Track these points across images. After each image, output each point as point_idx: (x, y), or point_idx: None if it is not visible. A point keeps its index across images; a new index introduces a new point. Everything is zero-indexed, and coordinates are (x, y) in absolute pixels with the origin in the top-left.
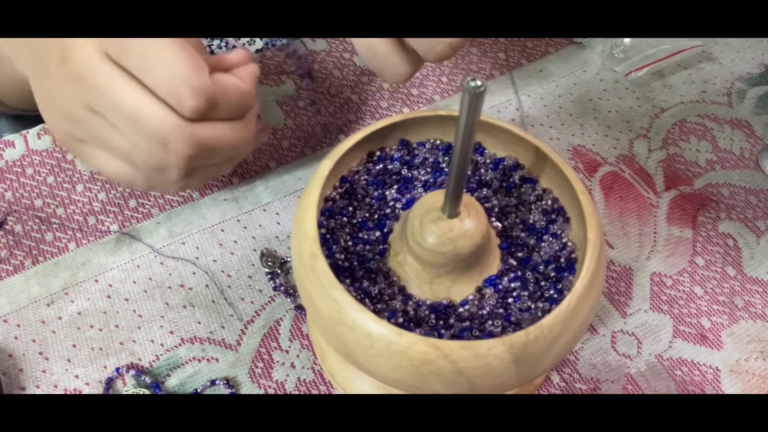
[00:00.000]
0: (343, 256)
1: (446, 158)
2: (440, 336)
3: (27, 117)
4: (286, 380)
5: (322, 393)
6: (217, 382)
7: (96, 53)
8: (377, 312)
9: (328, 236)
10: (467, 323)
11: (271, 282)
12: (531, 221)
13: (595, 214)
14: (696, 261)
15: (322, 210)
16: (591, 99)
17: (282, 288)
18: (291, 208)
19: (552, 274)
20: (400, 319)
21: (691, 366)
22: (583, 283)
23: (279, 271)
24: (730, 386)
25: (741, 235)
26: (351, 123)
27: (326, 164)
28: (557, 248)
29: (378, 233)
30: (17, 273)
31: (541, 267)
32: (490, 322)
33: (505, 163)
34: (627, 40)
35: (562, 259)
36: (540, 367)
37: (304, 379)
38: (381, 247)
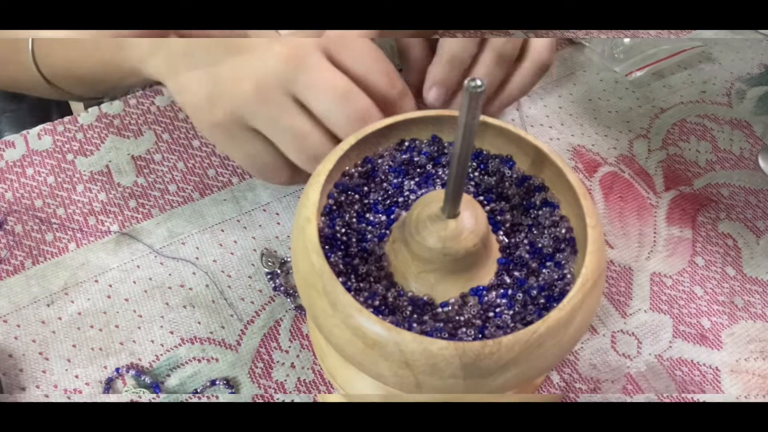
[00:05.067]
0: (343, 230)
1: (474, 164)
2: (410, 328)
3: (27, 117)
4: (286, 380)
5: (323, 393)
6: (217, 382)
7: (312, 44)
8: (358, 290)
9: (334, 207)
10: (441, 324)
11: (271, 282)
12: (539, 245)
13: (599, 252)
14: (696, 261)
15: (336, 183)
16: (591, 99)
17: (282, 288)
18: (291, 208)
19: (542, 301)
20: (377, 302)
21: (691, 366)
22: (559, 315)
23: (279, 271)
24: (730, 386)
25: (741, 235)
26: None
27: (349, 140)
28: (556, 277)
29: (384, 218)
30: (17, 273)
31: (534, 292)
32: (463, 330)
33: (531, 182)
34: (627, 40)
35: (557, 289)
36: (492, 383)
37: (304, 380)
38: (382, 231)
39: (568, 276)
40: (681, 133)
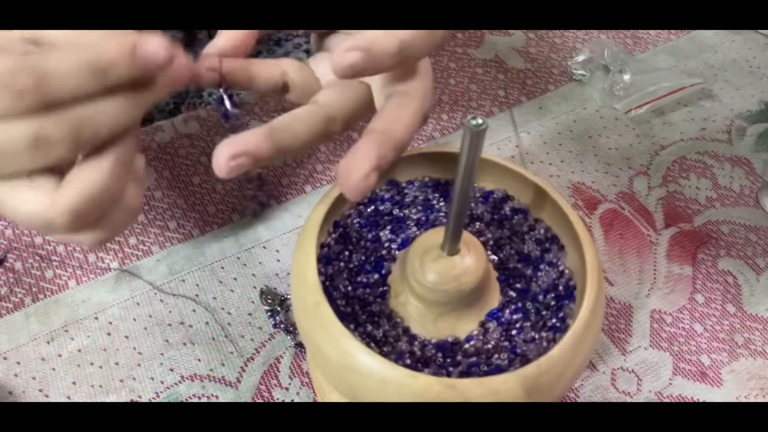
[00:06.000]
0: (344, 302)
1: (437, 195)
2: (449, 374)
3: None
4: None
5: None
6: None
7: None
8: (384, 355)
9: (327, 283)
10: (474, 359)
11: (271, 319)
12: (526, 251)
13: (591, 242)
14: (696, 298)
15: (318, 257)
16: (591, 136)
17: (282, 325)
18: (291, 245)
19: (552, 303)
20: (408, 361)
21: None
22: (587, 311)
23: (279, 309)
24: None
25: (741, 272)
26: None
27: (319, 211)
28: (554, 276)
29: (376, 275)
30: (17, 310)
31: (541, 296)
32: (496, 356)
33: (495, 195)
34: (627, 77)
35: (561, 288)
36: (549, 397)
37: None
38: (381, 289)
39: (566, 272)
40: (681, 170)
